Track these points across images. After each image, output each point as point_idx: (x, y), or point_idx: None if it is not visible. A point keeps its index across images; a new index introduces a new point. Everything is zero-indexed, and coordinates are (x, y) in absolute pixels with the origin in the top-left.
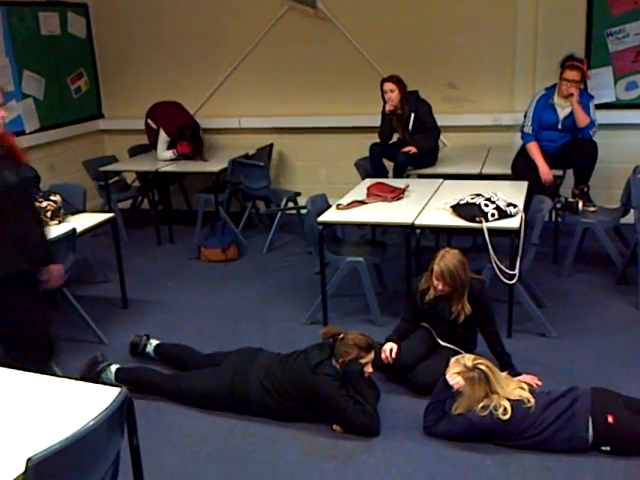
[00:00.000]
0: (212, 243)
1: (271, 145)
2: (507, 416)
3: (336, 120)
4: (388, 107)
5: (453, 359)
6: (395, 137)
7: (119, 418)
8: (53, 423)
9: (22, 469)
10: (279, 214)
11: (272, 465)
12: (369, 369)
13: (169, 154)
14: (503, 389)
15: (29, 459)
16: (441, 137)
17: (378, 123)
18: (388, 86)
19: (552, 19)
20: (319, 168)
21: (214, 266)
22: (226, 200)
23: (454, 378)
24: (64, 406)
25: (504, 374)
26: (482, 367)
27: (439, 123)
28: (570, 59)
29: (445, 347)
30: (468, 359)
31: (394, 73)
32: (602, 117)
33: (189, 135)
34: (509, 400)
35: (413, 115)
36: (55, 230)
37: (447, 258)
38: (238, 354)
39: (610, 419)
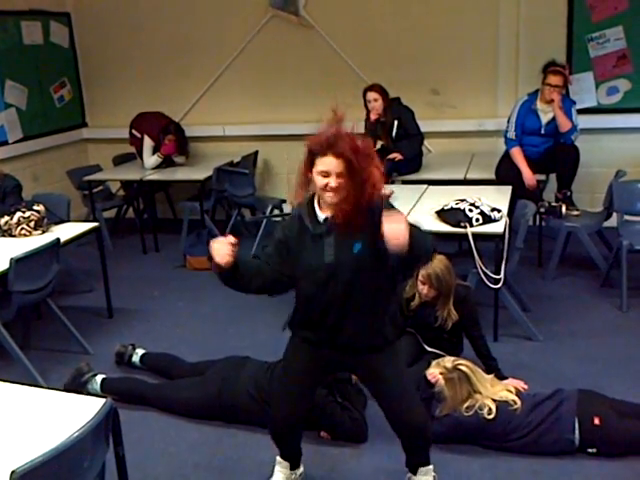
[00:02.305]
0: (198, 251)
1: (256, 152)
2: (492, 415)
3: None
4: (373, 116)
5: (434, 362)
6: (378, 144)
7: (104, 429)
8: (37, 435)
9: None
10: (265, 221)
11: (260, 473)
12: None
13: (155, 158)
14: (486, 389)
15: (13, 472)
16: (425, 143)
17: (362, 129)
18: (372, 95)
19: (533, 25)
20: None
21: (200, 274)
22: (211, 208)
23: (434, 375)
24: (49, 417)
25: (490, 377)
26: (462, 368)
27: (423, 129)
28: (552, 65)
29: (431, 352)
30: (448, 361)
31: (377, 80)
32: (584, 122)
33: (173, 129)
34: (494, 401)
35: (396, 122)
36: (39, 240)
37: (433, 263)
38: (225, 363)
39: (596, 421)
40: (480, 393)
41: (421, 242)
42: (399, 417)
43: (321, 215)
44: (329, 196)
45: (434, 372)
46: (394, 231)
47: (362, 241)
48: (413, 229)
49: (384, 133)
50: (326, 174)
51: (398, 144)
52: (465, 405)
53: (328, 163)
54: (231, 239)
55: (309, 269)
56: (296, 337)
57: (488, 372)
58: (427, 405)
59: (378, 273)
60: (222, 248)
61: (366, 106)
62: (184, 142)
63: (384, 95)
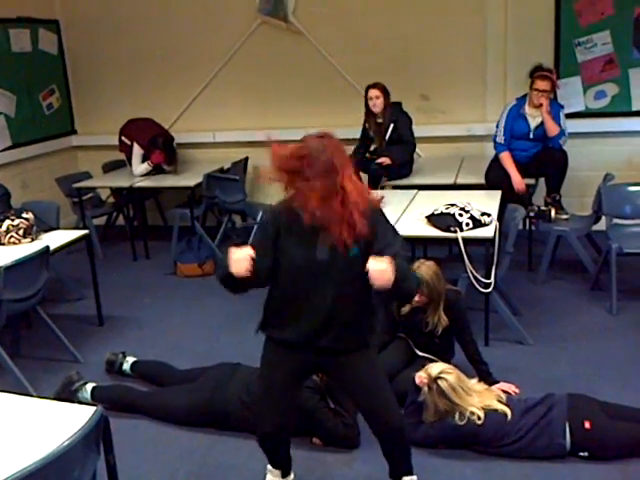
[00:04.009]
0: (188, 258)
1: (246, 159)
2: (481, 421)
3: (310, 132)
4: (376, 109)
5: (426, 366)
6: (371, 147)
7: (95, 437)
8: (27, 444)
9: None
10: (255, 228)
11: None
12: None
13: (144, 167)
14: (465, 401)
15: None
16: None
17: (351, 135)
18: (374, 92)
19: (521, 30)
20: None
21: (191, 281)
22: (202, 215)
23: (421, 380)
24: (39, 426)
25: (483, 387)
26: (440, 383)
27: None
28: (539, 69)
29: (423, 357)
30: (435, 369)
31: (368, 84)
32: (572, 126)
33: (161, 143)
34: (483, 409)
35: (392, 125)
36: (28, 248)
37: (422, 269)
38: (216, 369)
39: (587, 425)
40: (459, 405)
41: (405, 283)
42: (375, 417)
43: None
44: None
45: (421, 376)
46: (378, 271)
47: (358, 247)
48: (399, 271)
49: (379, 134)
50: None
51: (389, 148)
52: (456, 412)
53: None
54: (251, 252)
55: (297, 263)
56: (270, 342)
57: (480, 377)
58: (417, 409)
59: (367, 280)
60: (242, 261)
61: (367, 105)
62: (173, 154)
63: (386, 95)
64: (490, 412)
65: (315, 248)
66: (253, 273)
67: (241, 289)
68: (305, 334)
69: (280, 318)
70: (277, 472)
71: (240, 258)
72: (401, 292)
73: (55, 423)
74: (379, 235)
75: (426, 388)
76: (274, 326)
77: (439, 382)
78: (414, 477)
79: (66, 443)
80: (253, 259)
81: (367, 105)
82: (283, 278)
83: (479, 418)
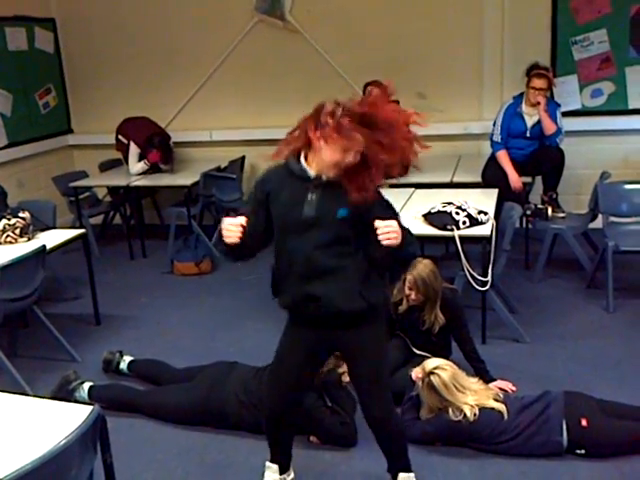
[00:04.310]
0: (185, 257)
1: (243, 157)
2: (474, 418)
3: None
4: None
5: (425, 361)
6: None
7: (92, 436)
8: (24, 443)
9: None
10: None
11: (250, 479)
12: (346, 378)
13: (141, 165)
14: (457, 399)
15: None
16: None
17: None
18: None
19: (518, 29)
20: None
21: (188, 280)
22: (199, 213)
23: (416, 374)
24: (36, 426)
25: (481, 386)
26: (432, 379)
27: None
28: (535, 67)
29: (420, 355)
30: (431, 364)
31: (364, 83)
32: (569, 124)
33: (157, 142)
34: (477, 406)
35: None
36: (24, 247)
37: (419, 267)
38: (213, 368)
39: (584, 422)
40: (449, 401)
41: (410, 247)
42: (371, 403)
43: (310, 172)
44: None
45: (417, 371)
46: (389, 228)
47: (348, 208)
48: (405, 232)
49: None
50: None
51: None
52: (450, 409)
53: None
54: (242, 220)
55: (285, 220)
56: (288, 319)
57: (477, 374)
58: (415, 406)
59: (352, 240)
60: (233, 229)
61: None
62: (169, 153)
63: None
64: (486, 410)
65: (303, 205)
66: (247, 238)
67: (242, 256)
68: (299, 295)
69: (281, 282)
70: (275, 468)
71: (231, 227)
72: (405, 255)
73: (52, 422)
74: (377, 210)
75: (420, 383)
76: (279, 292)
77: (431, 377)
78: (411, 474)
79: (63, 442)
80: (244, 226)
81: None
82: (276, 238)
83: (474, 415)
